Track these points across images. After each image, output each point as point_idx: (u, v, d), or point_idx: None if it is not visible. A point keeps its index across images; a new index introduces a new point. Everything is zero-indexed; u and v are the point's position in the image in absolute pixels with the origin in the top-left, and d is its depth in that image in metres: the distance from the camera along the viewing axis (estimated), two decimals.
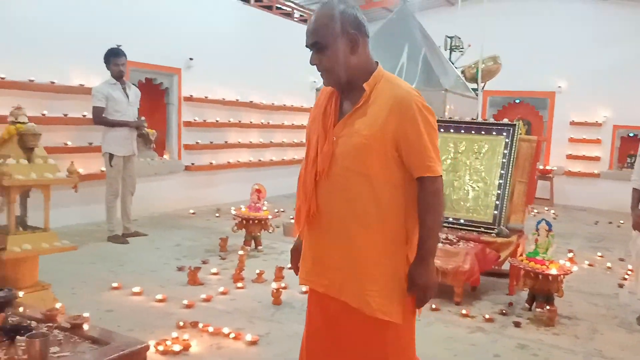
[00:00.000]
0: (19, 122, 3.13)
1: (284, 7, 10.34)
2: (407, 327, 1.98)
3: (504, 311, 4.17)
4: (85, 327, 2.19)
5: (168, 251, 5.57)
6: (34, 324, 2.24)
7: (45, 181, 3.17)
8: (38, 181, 3.13)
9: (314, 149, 1.95)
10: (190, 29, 7.72)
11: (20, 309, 2.37)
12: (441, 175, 1.89)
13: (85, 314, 2.32)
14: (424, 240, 1.88)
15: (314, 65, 1.91)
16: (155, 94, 7.59)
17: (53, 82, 6.10)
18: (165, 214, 7.48)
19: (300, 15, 10.84)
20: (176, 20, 7.51)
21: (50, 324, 2.23)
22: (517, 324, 3.92)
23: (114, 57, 5.73)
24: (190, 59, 7.75)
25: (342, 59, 1.86)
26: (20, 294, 2.77)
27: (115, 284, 4.34)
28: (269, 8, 9.81)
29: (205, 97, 8.10)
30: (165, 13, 7.35)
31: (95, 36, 6.28)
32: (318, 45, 1.86)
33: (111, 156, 5.78)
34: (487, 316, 4.03)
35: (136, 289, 4.23)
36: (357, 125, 1.86)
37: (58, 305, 3.29)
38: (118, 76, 5.76)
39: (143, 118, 7.31)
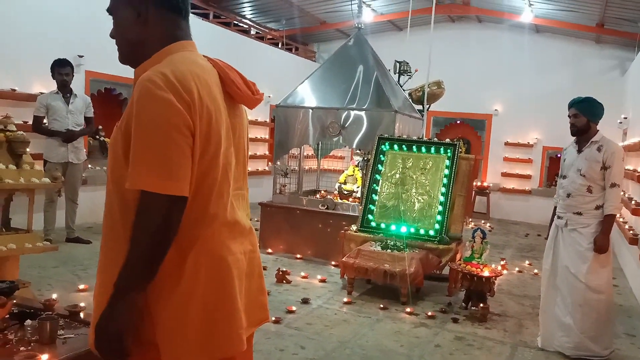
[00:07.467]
0: (8, 130, 3.36)
1: (241, 24, 10.69)
2: None
3: (443, 309, 4.66)
4: (81, 315, 2.47)
5: None
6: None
7: (33, 185, 3.39)
8: (26, 185, 3.35)
9: None
10: None
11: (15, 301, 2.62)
12: (156, 193, 1.30)
13: (82, 304, 2.58)
14: (121, 270, 1.35)
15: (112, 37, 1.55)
16: (113, 103, 7.76)
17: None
18: None
19: (257, 33, 11.21)
20: None
21: (50, 312, 2.46)
22: (455, 320, 4.42)
23: (58, 66, 5.74)
24: None
25: (122, 31, 1.52)
26: None
27: (82, 286, 4.55)
28: (227, 25, 10.13)
29: None
30: None
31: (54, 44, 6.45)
32: (108, 9, 1.55)
33: (45, 162, 5.76)
34: (429, 313, 4.52)
35: None
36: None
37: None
38: (62, 85, 5.76)
39: (100, 127, 7.48)
